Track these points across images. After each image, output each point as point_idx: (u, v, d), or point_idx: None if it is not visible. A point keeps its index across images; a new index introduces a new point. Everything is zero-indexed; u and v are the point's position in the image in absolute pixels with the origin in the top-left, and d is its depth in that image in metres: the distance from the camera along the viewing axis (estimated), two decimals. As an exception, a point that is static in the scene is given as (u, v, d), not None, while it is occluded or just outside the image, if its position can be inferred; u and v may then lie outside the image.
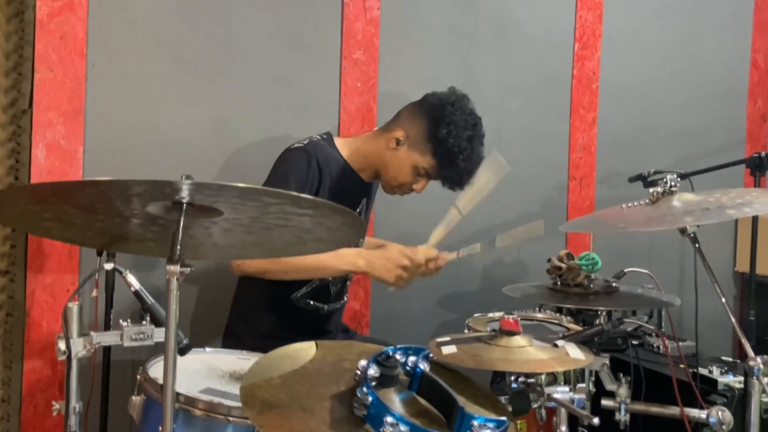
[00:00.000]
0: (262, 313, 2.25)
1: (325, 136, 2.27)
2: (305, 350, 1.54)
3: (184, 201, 1.30)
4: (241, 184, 1.26)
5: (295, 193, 1.29)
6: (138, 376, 1.69)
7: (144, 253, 1.67)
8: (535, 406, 1.66)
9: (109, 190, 1.29)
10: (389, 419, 1.26)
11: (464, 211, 2.20)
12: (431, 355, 1.51)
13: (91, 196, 1.31)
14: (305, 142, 2.19)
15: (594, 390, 1.84)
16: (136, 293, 1.69)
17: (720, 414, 1.65)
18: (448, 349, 1.54)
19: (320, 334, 2.26)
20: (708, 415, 1.66)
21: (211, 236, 1.51)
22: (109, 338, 1.67)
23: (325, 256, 2.08)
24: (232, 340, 2.23)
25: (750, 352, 1.62)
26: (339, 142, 2.28)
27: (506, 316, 1.60)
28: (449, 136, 2.11)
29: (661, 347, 2.55)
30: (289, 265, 2.07)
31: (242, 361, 1.86)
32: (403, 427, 1.26)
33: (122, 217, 1.40)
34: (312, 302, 2.27)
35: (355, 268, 2.12)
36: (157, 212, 1.36)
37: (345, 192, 2.21)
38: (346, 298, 2.44)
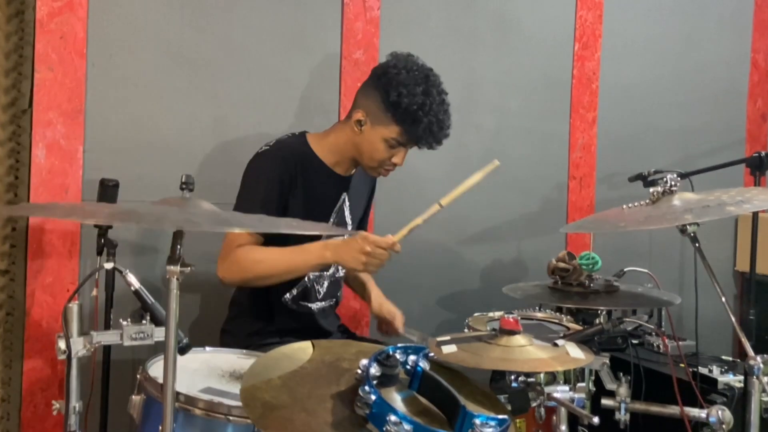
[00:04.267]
0: (255, 315, 2.25)
1: (296, 134, 2.26)
2: (302, 350, 1.55)
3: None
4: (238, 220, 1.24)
5: (283, 220, 1.29)
6: (138, 376, 1.69)
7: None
8: (534, 405, 1.67)
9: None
10: (393, 418, 1.26)
11: (444, 203, 2.08)
12: (431, 354, 1.51)
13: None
14: (272, 144, 2.18)
15: (594, 389, 1.84)
16: (136, 293, 1.69)
17: (720, 413, 1.65)
18: (449, 349, 1.54)
19: (317, 335, 2.25)
20: (708, 415, 1.66)
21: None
22: (109, 337, 1.67)
23: (292, 256, 2.08)
24: (228, 341, 2.23)
25: (750, 352, 1.62)
26: (312, 138, 2.24)
27: (506, 316, 1.60)
28: (402, 97, 2.07)
29: (661, 346, 2.55)
30: (265, 272, 2.09)
31: (242, 360, 1.86)
32: (406, 426, 1.26)
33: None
34: (301, 303, 2.26)
35: (323, 260, 2.09)
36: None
37: (320, 189, 2.20)
38: (339, 296, 2.41)
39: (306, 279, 2.25)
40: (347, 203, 2.31)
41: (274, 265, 2.08)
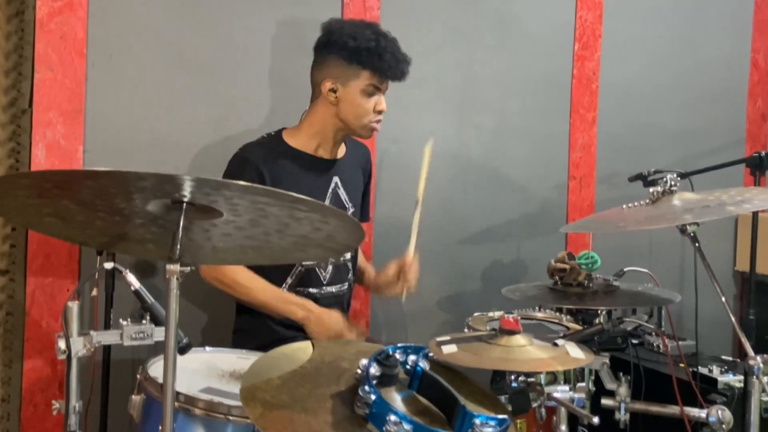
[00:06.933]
0: (258, 313, 2.25)
1: (272, 133, 2.30)
2: (302, 350, 1.55)
3: (185, 199, 1.30)
4: (242, 183, 1.27)
5: (294, 194, 1.29)
6: (138, 376, 1.69)
7: (143, 255, 1.67)
8: (535, 405, 1.67)
9: (110, 184, 1.29)
10: (392, 418, 1.26)
11: (420, 199, 2.24)
12: (430, 353, 1.51)
13: (91, 189, 1.31)
14: (241, 147, 2.24)
15: (594, 389, 1.84)
16: (136, 292, 1.69)
17: (720, 413, 1.65)
18: (449, 349, 1.54)
19: None
20: (708, 414, 1.66)
21: (211, 239, 1.51)
22: (109, 337, 1.67)
23: (272, 296, 2.19)
24: (240, 338, 2.25)
25: (750, 351, 1.62)
26: (287, 133, 2.29)
27: (506, 316, 1.60)
28: (359, 41, 2.16)
29: (661, 346, 2.55)
30: (240, 296, 2.22)
31: (242, 360, 1.86)
32: (406, 426, 1.26)
33: (122, 215, 1.40)
34: (299, 288, 2.25)
35: (292, 316, 2.18)
36: (157, 211, 1.36)
37: (305, 178, 2.22)
38: (351, 281, 2.39)
39: (300, 266, 2.25)
40: (341, 186, 2.32)
41: (251, 295, 2.19)
